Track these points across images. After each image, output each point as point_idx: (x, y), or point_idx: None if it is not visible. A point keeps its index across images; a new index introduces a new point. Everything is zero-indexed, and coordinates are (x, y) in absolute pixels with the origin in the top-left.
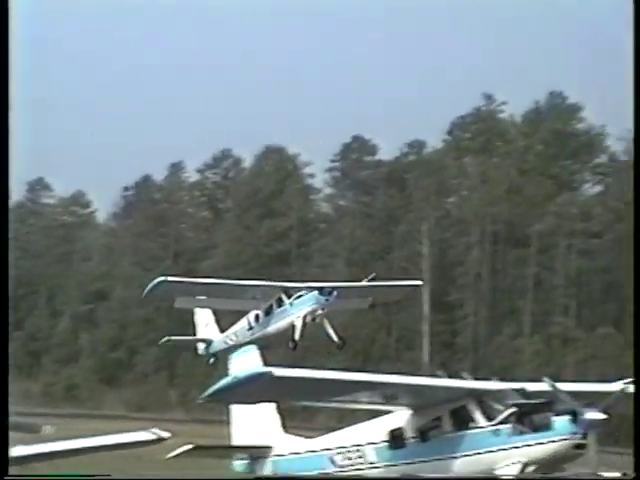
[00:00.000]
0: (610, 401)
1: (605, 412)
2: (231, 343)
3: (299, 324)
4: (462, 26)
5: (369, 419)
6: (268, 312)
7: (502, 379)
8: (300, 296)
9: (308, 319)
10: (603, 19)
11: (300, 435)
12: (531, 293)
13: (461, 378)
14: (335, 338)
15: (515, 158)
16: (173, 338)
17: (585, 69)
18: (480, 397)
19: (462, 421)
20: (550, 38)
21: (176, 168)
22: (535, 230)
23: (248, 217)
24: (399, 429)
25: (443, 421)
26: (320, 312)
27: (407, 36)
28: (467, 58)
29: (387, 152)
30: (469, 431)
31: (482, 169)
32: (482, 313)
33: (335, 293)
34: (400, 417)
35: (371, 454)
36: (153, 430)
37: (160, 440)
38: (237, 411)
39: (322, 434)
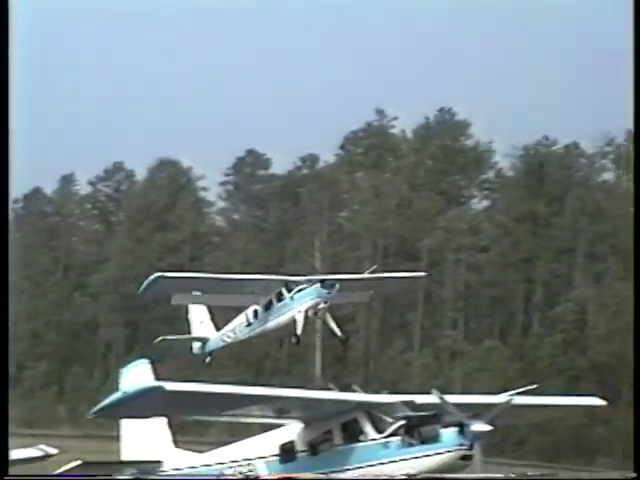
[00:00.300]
0: (496, 413)
1: (491, 424)
2: (228, 340)
3: (301, 318)
4: (352, 41)
5: (261, 433)
6: (268, 307)
7: (392, 392)
8: (301, 289)
9: (310, 313)
10: (489, 39)
11: (192, 449)
12: (421, 307)
13: (352, 391)
14: (338, 333)
15: (406, 173)
16: (168, 338)
17: (474, 86)
18: (370, 410)
19: (352, 434)
20: (439, 55)
21: (67, 181)
22: (425, 244)
23: (140, 230)
24: (290, 442)
25: (334, 434)
26: (322, 306)
27: (299, 51)
28: (358, 73)
29: (280, 166)
30: (359, 444)
31: (374, 184)
32: (373, 327)
33: (337, 286)
34: (291, 430)
35: (262, 468)
36: (41, 446)
37: (48, 456)
38: (127, 426)
39: (214, 448)
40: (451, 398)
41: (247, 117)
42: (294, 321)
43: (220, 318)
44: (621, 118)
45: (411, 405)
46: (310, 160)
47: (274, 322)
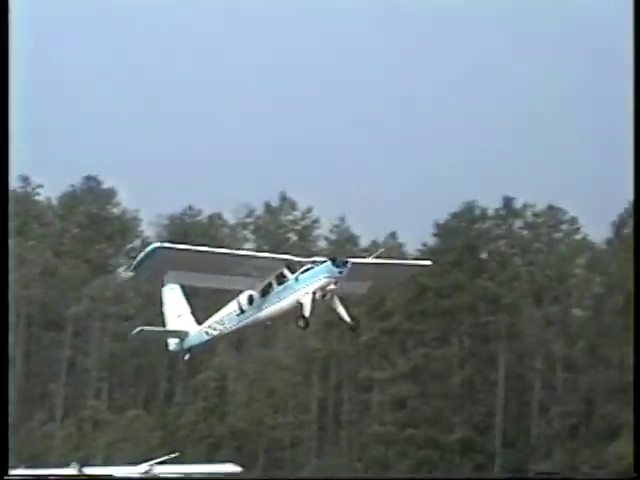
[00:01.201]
0: None
1: None
2: (215, 333)
3: (308, 301)
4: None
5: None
6: (266, 292)
7: (31, 466)
8: (307, 269)
9: (318, 295)
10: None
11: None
12: (64, 376)
13: None
14: (347, 318)
15: (51, 241)
16: (146, 329)
17: (121, 154)
18: None
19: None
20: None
21: None
22: (70, 313)
23: None
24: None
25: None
26: (332, 287)
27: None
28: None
29: None
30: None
31: (18, 251)
32: (12, 398)
33: (349, 265)
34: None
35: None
36: None
37: None
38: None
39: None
40: (91, 470)
41: None
42: (300, 305)
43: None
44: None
45: None
46: None
47: (274, 307)
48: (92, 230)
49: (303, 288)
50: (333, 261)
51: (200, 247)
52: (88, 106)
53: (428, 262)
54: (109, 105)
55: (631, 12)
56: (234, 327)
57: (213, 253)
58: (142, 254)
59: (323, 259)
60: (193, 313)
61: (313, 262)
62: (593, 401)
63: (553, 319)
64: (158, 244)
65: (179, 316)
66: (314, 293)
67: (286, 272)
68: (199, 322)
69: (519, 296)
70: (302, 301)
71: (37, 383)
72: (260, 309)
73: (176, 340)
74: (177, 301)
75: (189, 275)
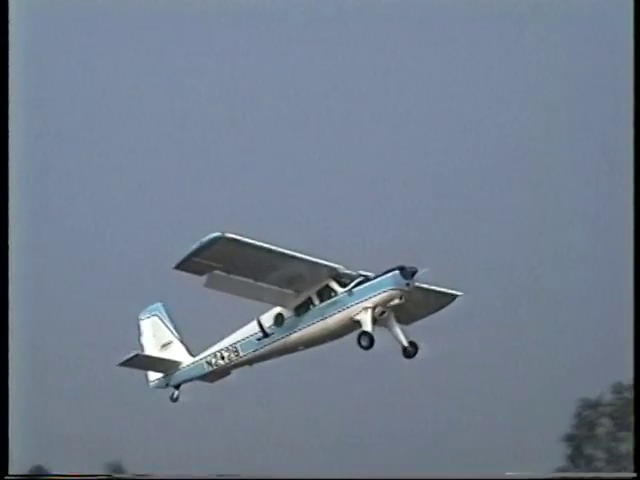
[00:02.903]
0: None
1: None
2: (221, 363)
3: (368, 317)
4: None
5: None
6: (303, 309)
7: None
8: (362, 281)
9: (377, 311)
10: None
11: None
12: None
13: None
14: (405, 342)
15: None
16: (142, 354)
17: None
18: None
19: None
20: None
21: None
22: None
23: None
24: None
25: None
26: (397, 301)
27: None
28: None
29: None
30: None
31: None
32: None
33: (417, 276)
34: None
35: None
36: None
37: None
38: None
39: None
40: None
41: None
42: (355, 322)
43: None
44: None
45: None
46: None
47: (315, 327)
48: None
49: (359, 303)
50: (401, 270)
51: (263, 243)
52: None
53: (460, 293)
54: None
55: (631, 12)
56: (252, 355)
57: (275, 253)
58: (196, 245)
59: (369, 273)
60: (183, 342)
61: (361, 275)
62: None
63: None
64: (219, 233)
65: (164, 345)
66: (374, 309)
67: (333, 285)
68: (192, 353)
69: None
70: (358, 318)
71: None
72: (292, 331)
73: (157, 375)
74: (160, 329)
75: (234, 281)
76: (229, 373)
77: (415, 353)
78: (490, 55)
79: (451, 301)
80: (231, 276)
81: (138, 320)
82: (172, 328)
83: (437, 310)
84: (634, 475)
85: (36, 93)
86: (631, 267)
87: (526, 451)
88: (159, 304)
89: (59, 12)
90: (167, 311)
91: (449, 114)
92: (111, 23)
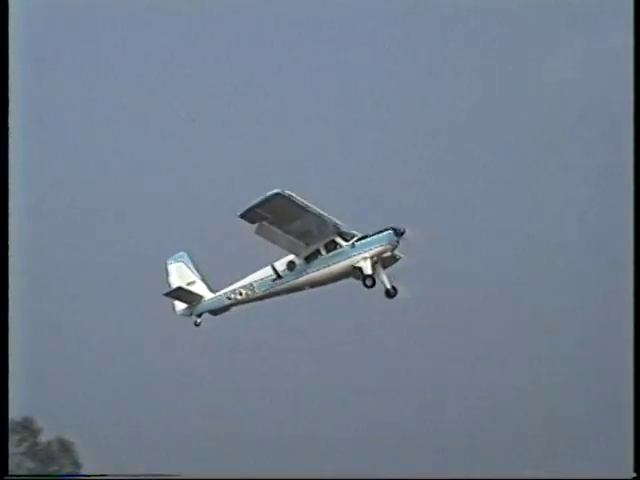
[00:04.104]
0: None
1: None
2: (239, 298)
3: (368, 264)
4: None
5: None
6: (312, 258)
7: None
8: (363, 237)
9: (373, 260)
10: None
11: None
12: None
13: None
14: (388, 285)
15: None
16: (183, 287)
17: None
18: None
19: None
20: None
21: None
22: None
23: None
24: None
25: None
26: (389, 254)
27: None
28: None
29: None
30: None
31: None
32: None
33: (405, 235)
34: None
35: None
36: None
37: None
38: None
39: None
40: None
41: None
42: (356, 268)
43: None
44: None
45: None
46: None
47: (321, 272)
48: None
49: (359, 254)
50: (394, 230)
51: (310, 204)
52: None
53: (402, 255)
54: None
55: (631, 13)
56: (266, 292)
57: (310, 212)
58: (260, 198)
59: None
60: (204, 281)
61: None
62: None
63: None
64: (279, 190)
65: (189, 284)
66: (372, 258)
67: (339, 240)
68: (212, 290)
69: None
70: (359, 265)
71: None
72: (301, 274)
73: (183, 305)
74: (185, 271)
75: (277, 234)
76: (228, 309)
77: (395, 295)
78: (490, 55)
79: (395, 262)
80: (272, 227)
81: (166, 264)
82: (194, 270)
83: (387, 267)
84: (634, 475)
85: (36, 93)
86: (631, 267)
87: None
88: (183, 252)
89: (59, 12)
90: (190, 258)
91: (449, 115)
92: (111, 23)
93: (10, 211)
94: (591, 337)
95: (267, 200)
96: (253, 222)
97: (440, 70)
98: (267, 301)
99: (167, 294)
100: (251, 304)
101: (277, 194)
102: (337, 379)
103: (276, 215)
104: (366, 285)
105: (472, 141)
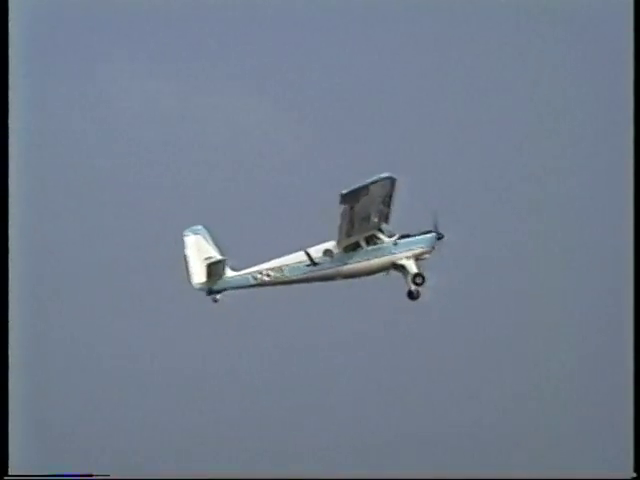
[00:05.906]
0: None
1: None
2: (265, 279)
3: (412, 264)
4: None
5: None
6: (351, 249)
7: None
8: (406, 236)
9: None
10: None
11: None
12: None
13: None
14: (412, 287)
15: None
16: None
17: None
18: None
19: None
20: None
21: None
22: None
23: None
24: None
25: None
26: (428, 255)
27: None
28: None
29: None
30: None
31: None
32: None
33: (442, 240)
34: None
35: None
36: None
37: None
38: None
39: None
40: None
41: None
42: (399, 266)
43: None
44: None
45: None
46: None
47: (361, 265)
48: None
49: (402, 252)
50: (437, 233)
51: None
52: None
53: None
54: None
55: (631, 13)
56: (297, 277)
57: (388, 205)
58: (369, 180)
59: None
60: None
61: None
62: None
63: None
64: (389, 174)
65: (207, 259)
66: (413, 257)
67: (380, 235)
68: (233, 268)
69: None
70: (402, 263)
71: None
72: (340, 264)
73: (203, 280)
74: (203, 246)
75: (347, 218)
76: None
77: (417, 297)
78: (490, 54)
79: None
80: (350, 211)
81: (183, 236)
82: (214, 245)
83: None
84: (634, 475)
85: (36, 93)
86: (631, 267)
87: None
88: (200, 226)
89: (59, 12)
90: (209, 232)
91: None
92: (111, 23)
93: (10, 191)
94: (591, 337)
95: (373, 183)
96: (348, 203)
97: (440, 70)
98: (282, 292)
99: (210, 264)
100: (271, 289)
101: (386, 177)
102: (339, 379)
103: (366, 199)
104: (416, 283)
105: (472, 141)
